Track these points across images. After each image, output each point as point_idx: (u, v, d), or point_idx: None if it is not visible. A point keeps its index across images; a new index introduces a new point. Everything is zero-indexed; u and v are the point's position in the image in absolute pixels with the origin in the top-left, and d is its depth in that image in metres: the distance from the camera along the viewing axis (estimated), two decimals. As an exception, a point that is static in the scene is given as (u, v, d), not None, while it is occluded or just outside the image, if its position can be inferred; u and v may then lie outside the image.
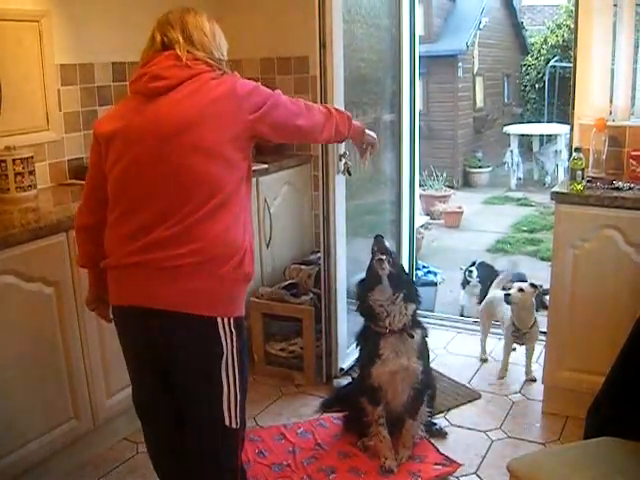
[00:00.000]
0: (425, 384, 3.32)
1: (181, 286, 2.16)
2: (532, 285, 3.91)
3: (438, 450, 3.34)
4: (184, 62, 2.22)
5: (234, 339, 2.26)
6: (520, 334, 3.96)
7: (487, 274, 5.82)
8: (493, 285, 4.44)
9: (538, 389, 3.81)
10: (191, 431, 2.36)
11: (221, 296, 2.22)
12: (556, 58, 16.14)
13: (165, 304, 2.18)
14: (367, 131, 2.92)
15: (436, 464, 3.23)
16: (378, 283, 3.22)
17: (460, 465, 3.21)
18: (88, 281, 2.58)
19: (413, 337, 3.21)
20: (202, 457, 2.35)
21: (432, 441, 3.41)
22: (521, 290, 3.85)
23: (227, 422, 2.29)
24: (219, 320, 2.22)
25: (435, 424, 3.50)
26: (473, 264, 5.92)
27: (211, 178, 2.16)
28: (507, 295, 3.84)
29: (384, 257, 3.21)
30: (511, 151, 13.15)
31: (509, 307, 3.96)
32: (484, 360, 4.33)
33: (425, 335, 3.32)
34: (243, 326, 2.34)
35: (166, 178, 2.16)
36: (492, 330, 4.39)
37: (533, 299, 3.92)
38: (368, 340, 3.30)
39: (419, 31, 4.71)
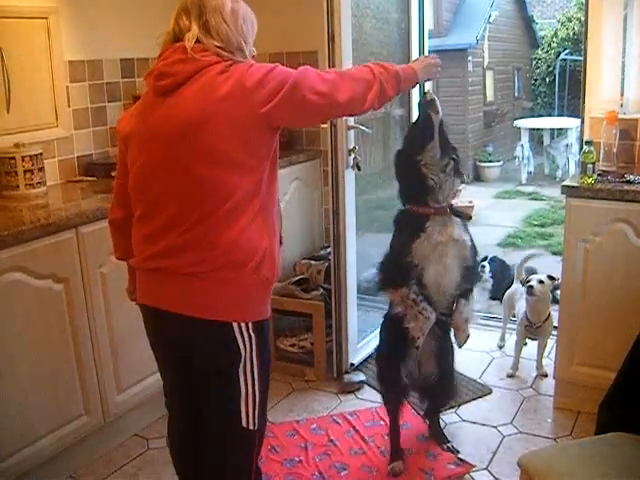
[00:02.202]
0: (475, 267, 3.03)
1: (196, 292, 2.13)
2: (550, 277, 3.89)
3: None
4: (190, 55, 2.09)
5: (253, 342, 2.20)
6: (533, 328, 3.95)
7: (499, 269, 5.80)
8: (515, 277, 4.40)
9: (549, 384, 3.79)
10: (208, 430, 2.33)
11: (237, 301, 2.17)
12: (567, 51, 16.06)
13: (181, 308, 2.15)
14: (421, 69, 2.47)
15: (449, 463, 3.21)
16: (430, 139, 2.78)
17: (473, 465, 3.19)
18: (127, 272, 2.54)
19: (470, 218, 2.92)
20: (217, 456, 2.34)
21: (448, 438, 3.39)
22: (541, 282, 3.83)
23: (244, 424, 2.26)
24: (235, 325, 2.16)
25: (449, 441, 3.35)
26: (485, 259, 5.89)
27: (220, 184, 2.07)
28: (530, 287, 3.81)
29: (436, 99, 2.76)
30: (522, 145, 13.07)
31: (524, 302, 3.96)
32: (500, 347, 4.40)
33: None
34: (264, 328, 2.28)
35: (174, 183, 2.10)
36: (508, 325, 4.41)
37: (549, 292, 3.91)
38: (407, 222, 2.92)
39: (428, 25, 4.70)
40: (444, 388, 3.29)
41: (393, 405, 3.26)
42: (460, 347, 3.09)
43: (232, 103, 2.05)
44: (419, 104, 2.92)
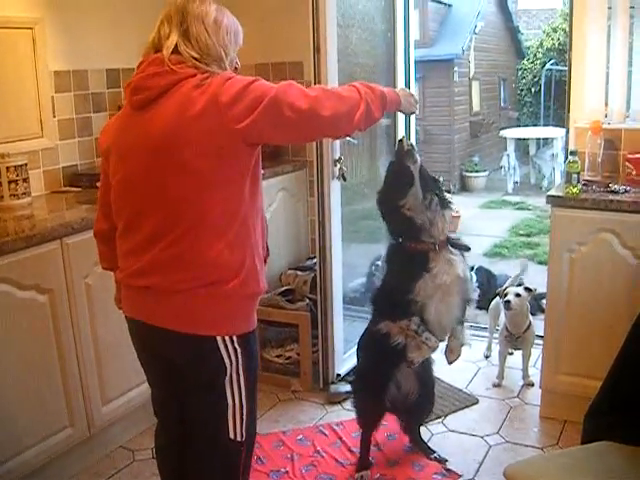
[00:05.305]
0: (471, 300, 2.99)
1: (180, 307, 2.11)
2: (527, 289, 3.91)
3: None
4: (166, 67, 2.04)
5: (239, 355, 2.18)
6: (513, 339, 3.96)
7: (485, 279, 5.80)
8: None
9: (536, 393, 3.79)
10: (194, 441, 2.31)
11: (222, 316, 2.14)
12: (552, 62, 16.15)
13: (165, 323, 2.13)
14: (403, 97, 2.45)
15: (436, 474, 3.20)
16: (410, 185, 2.78)
17: (460, 475, 3.18)
18: (115, 281, 2.48)
19: (469, 249, 2.90)
20: (204, 467, 2.31)
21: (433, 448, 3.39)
22: (518, 295, 3.84)
23: (232, 435, 2.24)
24: (219, 339, 2.14)
25: (434, 452, 3.34)
26: (472, 269, 5.88)
27: (196, 201, 2.04)
28: (507, 302, 3.82)
29: (412, 146, 2.79)
30: (508, 155, 13.14)
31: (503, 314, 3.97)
32: (487, 356, 4.42)
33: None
34: (251, 340, 2.25)
35: (152, 199, 2.08)
36: (494, 335, 4.39)
37: (527, 303, 3.91)
38: (406, 259, 2.86)
39: (415, 36, 4.71)
40: (424, 403, 3.28)
41: (371, 424, 3.24)
42: (449, 364, 3.07)
43: (206, 121, 1.99)
44: (396, 152, 2.90)
